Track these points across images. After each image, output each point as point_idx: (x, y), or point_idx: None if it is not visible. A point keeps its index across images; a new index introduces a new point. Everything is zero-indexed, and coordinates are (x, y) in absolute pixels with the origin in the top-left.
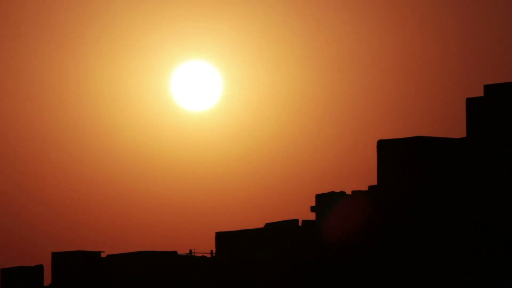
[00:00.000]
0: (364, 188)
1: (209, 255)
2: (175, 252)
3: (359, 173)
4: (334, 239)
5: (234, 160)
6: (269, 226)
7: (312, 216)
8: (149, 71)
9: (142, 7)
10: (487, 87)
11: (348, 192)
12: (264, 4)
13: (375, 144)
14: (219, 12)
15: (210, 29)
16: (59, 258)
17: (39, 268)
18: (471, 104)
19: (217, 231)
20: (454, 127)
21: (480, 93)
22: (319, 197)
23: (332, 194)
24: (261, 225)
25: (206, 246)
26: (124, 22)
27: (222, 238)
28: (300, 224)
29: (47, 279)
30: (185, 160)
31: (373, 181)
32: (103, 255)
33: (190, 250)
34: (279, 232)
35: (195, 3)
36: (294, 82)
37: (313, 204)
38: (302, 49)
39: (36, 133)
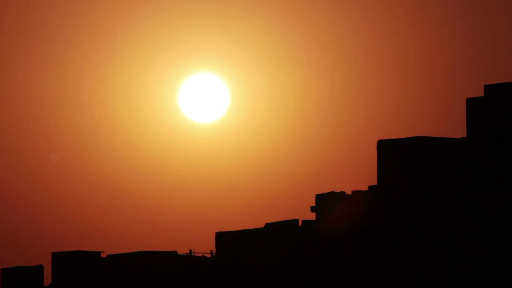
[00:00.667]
0: (364, 188)
1: (209, 255)
2: (175, 252)
3: (359, 173)
4: (334, 239)
5: (235, 161)
6: (269, 226)
7: (312, 216)
8: (157, 83)
9: (150, 20)
10: (487, 87)
11: (348, 192)
12: (270, 16)
13: (375, 144)
14: (226, 25)
15: (217, 42)
16: (59, 258)
17: (39, 268)
18: (471, 104)
19: (217, 231)
20: (454, 127)
21: (480, 93)
22: (319, 197)
23: (332, 194)
24: (261, 225)
25: (206, 246)
26: (133, 35)
27: (222, 238)
28: (300, 224)
29: (47, 279)
30: (188, 165)
31: (373, 181)
32: (103, 255)
33: (190, 250)
34: (279, 232)
35: (203, 16)
36: (296, 85)
37: (313, 204)
38: (304, 53)
39: (38, 134)
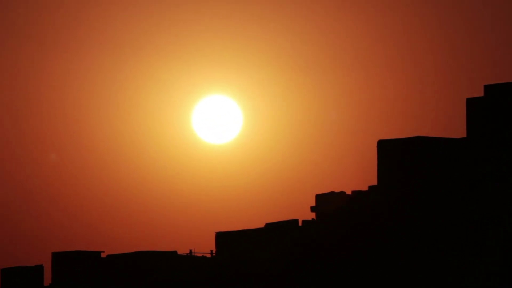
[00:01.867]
0: (364, 188)
1: (209, 255)
2: (175, 252)
3: (359, 173)
4: (334, 239)
5: (236, 162)
6: (269, 226)
7: (312, 216)
8: (171, 105)
9: (165, 43)
10: (487, 87)
11: (348, 192)
12: (283, 37)
13: (375, 144)
14: (239, 48)
15: (230, 64)
16: (59, 258)
17: (39, 268)
18: (471, 104)
19: (217, 231)
20: (454, 127)
21: (480, 93)
22: (319, 197)
23: (332, 194)
24: (261, 225)
25: (206, 246)
26: (147, 57)
27: (222, 238)
28: (300, 224)
29: (47, 279)
30: (193, 177)
31: (373, 181)
32: (103, 255)
33: (190, 250)
34: (279, 232)
35: (216, 39)
36: (298, 88)
37: (313, 204)
38: (308, 59)
39: (38, 135)
